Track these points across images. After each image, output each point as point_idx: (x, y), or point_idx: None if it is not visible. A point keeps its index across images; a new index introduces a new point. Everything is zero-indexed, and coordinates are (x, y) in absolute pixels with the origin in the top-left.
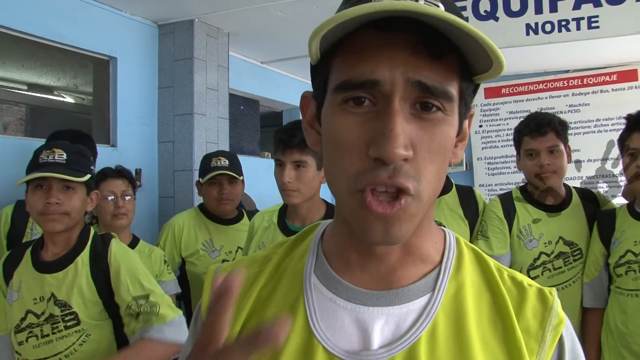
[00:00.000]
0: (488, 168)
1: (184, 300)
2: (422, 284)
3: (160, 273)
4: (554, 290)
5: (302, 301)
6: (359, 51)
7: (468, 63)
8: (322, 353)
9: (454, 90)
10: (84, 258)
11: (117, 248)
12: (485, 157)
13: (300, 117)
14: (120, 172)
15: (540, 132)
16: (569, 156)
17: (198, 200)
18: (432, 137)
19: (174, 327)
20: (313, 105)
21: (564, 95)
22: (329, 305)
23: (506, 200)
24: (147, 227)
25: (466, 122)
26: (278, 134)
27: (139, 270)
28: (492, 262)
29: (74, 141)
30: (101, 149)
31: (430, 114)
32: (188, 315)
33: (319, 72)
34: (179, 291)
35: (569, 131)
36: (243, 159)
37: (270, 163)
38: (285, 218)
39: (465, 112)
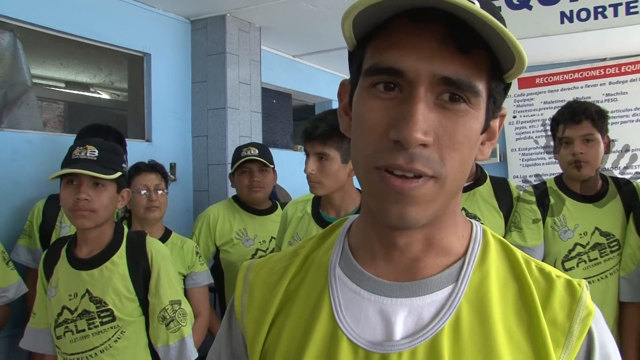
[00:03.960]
0: (522, 159)
1: (218, 289)
2: (445, 275)
3: (193, 264)
4: (583, 282)
5: (327, 293)
6: (389, 38)
7: (499, 61)
8: (346, 344)
9: (481, 85)
10: (120, 256)
11: (156, 248)
12: (519, 148)
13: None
14: (153, 167)
15: (575, 120)
16: (607, 146)
17: (232, 193)
18: (456, 126)
19: (190, 345)
20: (349, 92)
21: (601, 84)
22: (353, 297)
23: (540, 191)
24: (182, 220)
25: (496, 122)
26: (305, 125)
27: (175, 274)
28: (519, 253)
29: (103, 136)
30: (136, 144)
31: (455, 105)
32: (221, 304)
33: (354, 58)
34: (211, 282)
35: None
36: (276, 153)
37: (303, 156)
38: (320, 208)
39: (494, 110)
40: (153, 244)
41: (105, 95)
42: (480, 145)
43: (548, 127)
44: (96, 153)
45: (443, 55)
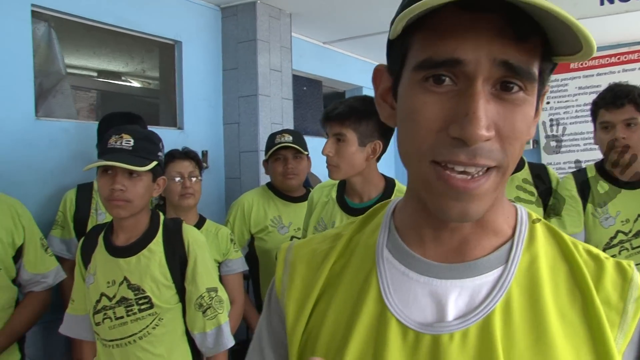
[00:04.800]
0: (556, 146)
1: (252, 277)
2: (494, 257)
3: (227, 251)
4: (632, 262)
5: (374, 275)
6: (442, 29)
7: (550, 43)
8: (395, 325)
9: (536, 70)
10: (156, 244)
11: (192, 236)
12: (552, 135)
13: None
14: (187, 154)
15: (616, 104)
16: None
17: (264, 181)
18: (515, 116)
19: (227, 332)
20: (387, 79)
21: (639, 69)
22: (402, 279)
23: (580, 178)
24: (215, 208)
25: (540, 99)
26: (325, 109)
27: (211, 261)
28: (566, 235)
29: (125, 123)
30: (168, 131)
31: (512, 94)
32: (255, 292)
33: (395, 47)
34: (246, 269)
35: None
36: (307, 140)
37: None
38: (344, 194)
39: (540, 90)
40: (189, 231)
41: (136, 84)
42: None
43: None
44: (131, 143)
45: (502, 43)
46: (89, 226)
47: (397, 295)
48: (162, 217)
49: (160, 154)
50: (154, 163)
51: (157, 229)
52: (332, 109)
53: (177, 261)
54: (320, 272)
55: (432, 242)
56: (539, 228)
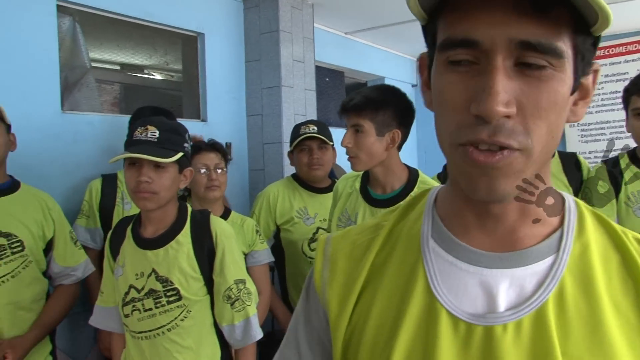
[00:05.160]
0: (581, 135)
1: (278, 268)
2: (545, 245)
3: (253, 243)
4: None
5: (421, 265)
6: (459, 9)
7: (583, 15)
8: (445, 316)
9: (563, 45)
10: (184, 235)
11: (220, 228)
12: (578, 124)
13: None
14: (213, 146)
15: None
16: None
17: (288, 172)
18: (539, 92)
19: (255, 325)
20: (426, 66)
21: None
22: (450, 269)
23: (612, 166)
24: (239, 200)
25: (589, 79)
26: (342, 100)
27: (239, 253)
28: (615, 224)
29: (157, 113)
30: (192, 124)
31: (536, 71)
32: (281, 283)
33: (428, 31)
34: (272, 260)
35: None
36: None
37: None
38: (368, 185)
39: (584, 67)
40: (217, 223)
41: (160, 77)
42: (572, 107)
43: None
44: (157, 134)
45: (519, 18)
46: (115, 215)
47: (445, 286)
48: (189, 208)
49: (186, 145)
50: (180, 154)
51: (185, 221)
52: (348, 100)
53: (205, 253)
54: (362, 264)
55: (477, 231)
56: (588, 216)
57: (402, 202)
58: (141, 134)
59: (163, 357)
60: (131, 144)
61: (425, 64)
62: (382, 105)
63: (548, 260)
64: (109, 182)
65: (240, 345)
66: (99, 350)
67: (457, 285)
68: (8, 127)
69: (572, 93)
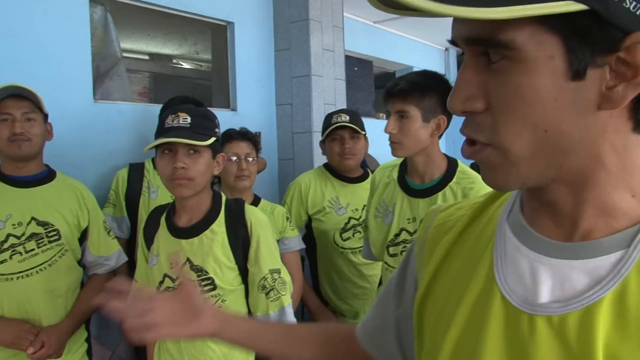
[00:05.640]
0: None
1: (309, 258)
2: (614, 239)
3: (284, 230)
4: None
5: (490, 246)
6: None
7: None
8: (499, 299)
9: (519, 35)
10: (219, 224)
11: (255, 217)
12: None
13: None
14: (244, 135)
15: None
16: None
17: (317, 162)
18: (501, 85)
19: (290, 314)
20: None
21: None
22: (514, 253)
23: None
24: (268, 190)
25: (624, 55)
26: (386, 85)
27: (274, 242)
28: None
29: (185, 103)
30: (222, 113)
31: (493, 64)
32: (312, 273)
33: None
34: (303, 247)
35: None
36: None
37: (385, 124)
38: (406, 174)
39: (594, 46)
40: (252, 212)
41: (190, 66)
42: (605, 91)
43: None
44: (189, 120)
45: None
46: (141, 205)
47: (506, 269)
48: (224, 197)
49: (217, 130)
50: (213, 139)
51: (219, 210)
52: (393, 86)
53: (240, 242)
54: (448, 236)
55: (545, 217)
56: None
57: None
58: (173, 121)
59: (198, 346)
60: (163, 131)
61: None
62: (427, 91)
63: (614, 256)
64: (136, 172)
65: None
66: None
67: (516, 270)
68: (45, 116)
69: (577, 79)
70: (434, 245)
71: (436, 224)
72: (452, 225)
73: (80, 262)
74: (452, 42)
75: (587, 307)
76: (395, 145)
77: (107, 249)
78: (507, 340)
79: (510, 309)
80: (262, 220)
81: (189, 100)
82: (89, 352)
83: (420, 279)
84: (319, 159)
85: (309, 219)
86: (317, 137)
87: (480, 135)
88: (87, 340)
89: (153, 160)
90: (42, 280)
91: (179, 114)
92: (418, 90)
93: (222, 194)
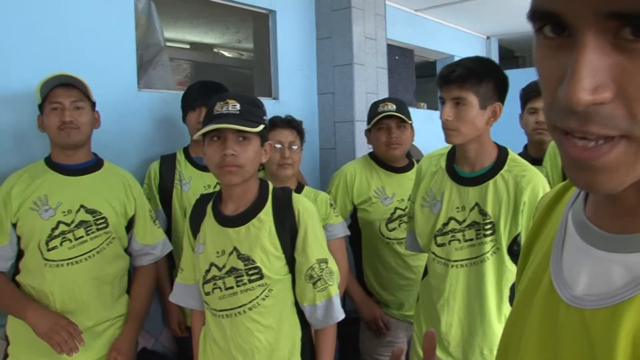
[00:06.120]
0: None
1: (354, 248)
2: None
3: (327, 216)
4: None
5: (553, 234)
6: None
7: None
8: (547, 285)
9: None
10: (266, 213)
11: (303, 205)
12: None
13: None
14: (289, 122)
15: None
16: None
17: (359, 151)
18: None
19: (337, 305)
20: None
21: None
22: (568, 241)
23: None
24: (309, 179)
25: None
26: (440, 70)
27: (321, 231)
28: None
29: (211, 90)
30: (264, 101)
31: (635, 42)
32: (357, 263)
33: None
34: (347, 233)
35: None
36: None
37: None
38: (454, 163)
39: None
40: (300, 201)
41: (232, 55)
42: None
43: None
44: (238, 107)
45: None
46: (174, 197)
47: (559, 257)
48: (271, 185)
49: (265, 118)
50: (262, 126)
51: (266, 198)
52: (449, 72)
53: (288, 231)
54: (538, 219)
55: (603, 208)
56: None
57: None
58: (222, 108)
59: (244, 335)
60: (212, 118)
61: None
62: (485, 77)
63: None
64: (167, 163)
65: (321, 325)
66: (169, 330)
67: (569, 260)
68: (93, 104)
69: None
70: (532, 228)
71: (540, 204)
72: (553, 204)
73: (126, 251)
74: (537, 17)
75: (618, 305)
76: (451, 132)
77: (153, 238)
78: (544, 327)
79: (554, 296)
80: (310, 209)
81: (209, 85)
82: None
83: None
84: (361, 148)
85: (354, 209)
86: (359, 127)
87: (613, 128)
88: None
89: (185, 150)
90: (90, 268)
91: (228, 100)
92: (476, 76)
93: (269, 182)
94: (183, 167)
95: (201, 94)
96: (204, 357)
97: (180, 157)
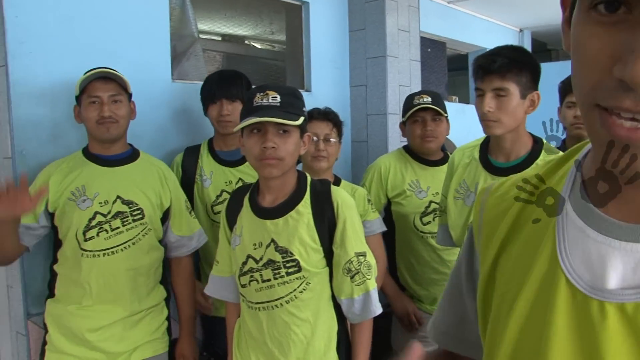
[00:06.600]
0: None
1: (387, 242)
2: None
3: (365, 212)
4: None
5: (552, 228)
6: None
7: None
8: (564, 284)
9: None
10: (304, 205)
11: (342, 198)
12: None
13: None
14: (325, 114)
15: None
16: None
17: (392, 144)
18: None
19: (375, 299)
20: (571, 4)
21: None
22: (579, 235)
23: None
24: (341, 172)
25: None
26: (476, 62)
27: (360, 225)
28: None
29: (230, 81)
30: None
31: None
32: (390, 257)
33: None
34: (384, 229)
35: None
36: None
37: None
38: (488, 153)
39: None
40: (339, 193)
41: (265, 46)
42: None
43: None
44: (278, 99)
45: None
46: (195, 192)
47: (571, 253)
48: (309, 178)
49: (304, 109)
50: (302, 118)
51: (304, 190)
52: (489, 62)
53: (326, 224)
54: (506, 218)
55: (615, 200)
56: None
57: (558, 155)
58: (262, 100)
59: (280, 329)
60: (252, 110)
61: (568, 1)
62: (524, 67)
63: None
64: (190, 156)
65: (358, 319)
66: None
67: (582, 254)
68: (129, 96)
69: None
70: (491, 228)
71: (490, 206)
72: (508, 206)
73: (161, 242)
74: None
75: None
76: (492, 123)
77: (189, 229)
78: (576, 327)
79: (577, 294)
80: (348, 201)
81: (228, 76)
82: (168, 329)
83: (481, 263)
84: (394, 141)
85: (388, 202)
86: (392, 119)
87: None
88: (168, 318)
89: (209, 142)
90: (126, 258)
91: (268, 92)
92: (517, 66)
93: (307, 174)
94: (205, 161)
95: (220, 86)
96: (238, 349)
97: (204, 150)
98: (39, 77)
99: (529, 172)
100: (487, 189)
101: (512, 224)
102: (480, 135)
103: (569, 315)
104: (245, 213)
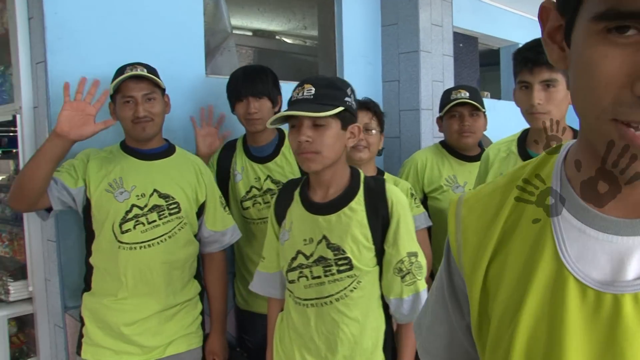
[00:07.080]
0: None
1: None
2: None
3: (409, 207)
4: None
5: (549, 230)
6: None
7: None
8: (573, 284)
9: None
10: (358, 202)
11: (396, 196)
12: None
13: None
14: (364, 104)
15: None
16: None
17: (425, 140)
18: None
19: (424, 300)
20: (556, 17)
21: None
22: (578, 235)
23: None
24: None
25: None
26: (520, 54)
27: (412, 224)
28: None
29: (255, 77)
30: None
31: None
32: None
33: None
34: (429, 224)
35: None
36: None
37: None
38: (527, 146)
39: None
40: (393, 191)
41: (298, 41)
42: None
43: None
44: (312, 91)
45: None
46: (230, 186)
47: (573, 253)
48: (362, 174)
49: (347, 99)
50: (338, 109)
51: (358, 187)
52: (535, 55)
53: (380, 222)
54: (493, 228)
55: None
56: None
57: (534, 158)
58: (298, 94)
59: (329, 326)
60: (289, 105)
61: (548, 15)
62: None
63: None
64: (227, 151)
65: (406, 320)
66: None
67: (585, 253)
68: (163, 91)
69: None
70: (477, 238)
71: (470, 217)
72: (497, 211)
73: (196, 236)
74: (620, 16)
75: None
76: (542, 115)
77: (223, 224)
78: (590, 323)
79: (588, 292)
80: (402, 200)
81: (253, 72)
82: (202, 324)
83: (469, 276)
84: (427, 137)
85: (425, 197)
86: (425, 115)
87: None
88: (202, 313)
89: (244, 137)
90: (162, 252)
91: (305, 85)
92: None
93: (360, 171)
94: (239, 156)
95: (246, 83)
96: (281, 344)
97: (239, 144)
98: (77, 72)
99: (502, 179)
100: (459, 202)
101: (506, 227)
102: (512, 132)
103: (582, 313)
104: (296, 207)
